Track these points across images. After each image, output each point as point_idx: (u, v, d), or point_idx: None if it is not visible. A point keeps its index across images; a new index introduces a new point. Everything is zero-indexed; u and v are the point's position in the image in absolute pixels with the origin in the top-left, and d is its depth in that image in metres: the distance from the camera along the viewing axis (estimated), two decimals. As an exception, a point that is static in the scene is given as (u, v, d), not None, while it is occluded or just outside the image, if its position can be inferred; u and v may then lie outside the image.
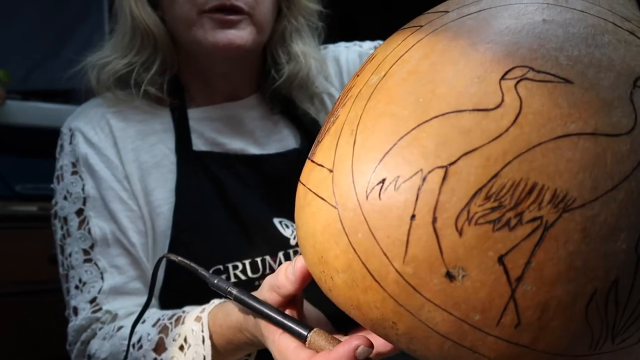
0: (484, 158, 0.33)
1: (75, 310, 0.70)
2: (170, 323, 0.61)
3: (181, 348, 0.59)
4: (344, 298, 0.38)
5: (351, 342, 0.41)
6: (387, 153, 0.36)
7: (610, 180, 0.33)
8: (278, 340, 0.46)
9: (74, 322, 0.69)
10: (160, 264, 0.56)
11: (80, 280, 0.69)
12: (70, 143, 0.74)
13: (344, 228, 0.37)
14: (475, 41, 0.37)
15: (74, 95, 2.24)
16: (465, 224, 0.33)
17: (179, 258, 0.55)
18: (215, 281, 0.52)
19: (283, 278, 0.47)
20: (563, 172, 0.33)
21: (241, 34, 0.69)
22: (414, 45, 0.40)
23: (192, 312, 0.60)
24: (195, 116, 0.76)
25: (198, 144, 0.75)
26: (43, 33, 2.12)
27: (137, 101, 0.74)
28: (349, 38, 0.90)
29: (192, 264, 0.54)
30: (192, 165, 0.73)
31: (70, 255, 0.71)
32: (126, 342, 0.62)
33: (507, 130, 0.33)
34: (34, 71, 2.10)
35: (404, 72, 0.38)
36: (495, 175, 0.33)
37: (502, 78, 0.35)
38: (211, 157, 0.75)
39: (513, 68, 0.35)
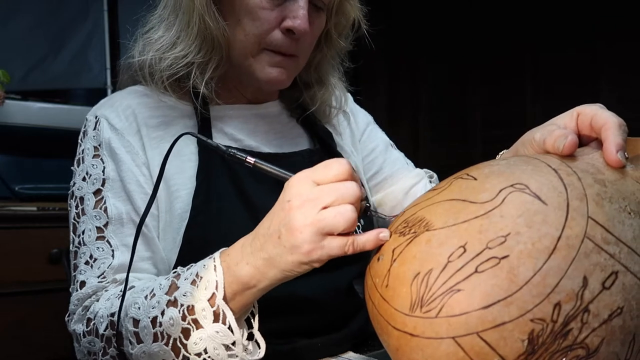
0: None
1: (83, 285, 0.71)
2: (182, 271, 0.64)
3: (193, 283, 0.61)
4: None
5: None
6: None
7: None
8: None
9: (79, 292, 0.71)
10: (144, 219, 0.63)
11: (91, 257, 0.71)
12: (95, 128, 0.77)
13: None
14: None
15: (73, 95, 2.24)
16: None
17: (199, 135, 0.65)
18: (232, 152, 0.61)
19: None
20: None
21: (288, 73, 0.78)
22: None
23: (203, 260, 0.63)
24: (217, 113, 0.81)
25: (217, 138, 0.79)
26: (42, 33, 2.12)
27: (161, 94, 0.78)
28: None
29: (210, 141, 0.63)
30: (211, 156, 0.77)
31: (83, 232, 0.73)
32: (136, 296, 0.64)
33: None
34: (33, 71, 2.10)
35: None
36: None
37: None
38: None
39: None
